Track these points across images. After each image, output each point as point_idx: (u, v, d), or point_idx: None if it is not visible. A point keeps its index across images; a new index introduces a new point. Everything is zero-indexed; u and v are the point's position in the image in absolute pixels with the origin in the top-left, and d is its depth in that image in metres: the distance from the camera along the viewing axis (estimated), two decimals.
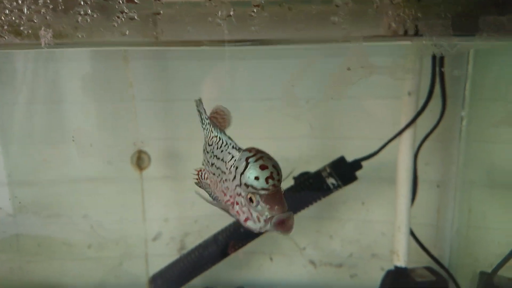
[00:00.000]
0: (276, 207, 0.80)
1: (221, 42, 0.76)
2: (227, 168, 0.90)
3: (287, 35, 0.71)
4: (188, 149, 1.89)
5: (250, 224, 0.85)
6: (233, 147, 0.91)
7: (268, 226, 0.81)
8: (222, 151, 0.94)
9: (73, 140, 1.74)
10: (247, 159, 0.83)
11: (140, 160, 1.79)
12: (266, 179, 0.80)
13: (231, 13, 0.67)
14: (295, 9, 0.66)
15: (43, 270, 1.97)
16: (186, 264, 1.73)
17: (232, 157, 0.90)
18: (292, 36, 0.72)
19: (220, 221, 1.72)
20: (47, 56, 1.73)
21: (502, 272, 1.65)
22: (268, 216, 0.81)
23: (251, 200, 0.82)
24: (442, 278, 1.62)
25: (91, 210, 1.94)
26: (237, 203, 0.86)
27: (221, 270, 1.81)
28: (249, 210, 0.83)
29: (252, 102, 1.80)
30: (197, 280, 1.78)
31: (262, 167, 0.80)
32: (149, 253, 1.98)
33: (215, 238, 1.70)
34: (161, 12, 0.74)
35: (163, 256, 1.88)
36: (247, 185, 0.82)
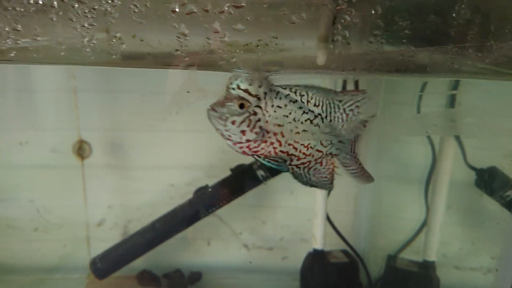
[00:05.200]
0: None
1: None
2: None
3: None
4: (131, 140, 1.99)
5: None
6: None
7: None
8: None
9: None
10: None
11: (81, 149, 1.88)
12: None
13: None
14: None
15: None
16: (125, 248, 1.85)
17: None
18: None
19: (161, 209, 1.85)
20: None
21: (408, 255, 1.89)
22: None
23: None
24: (354, 260, 1.84)
25: (37, 195, 2.02)
26: None
27: (160, 254, 1.95)
28: None
29: None
30: (137, 263, 1.91)
31: None
32: (93, 237, 2.09)
33: (152, 225, 1.83)
34: None
35: (107, 240, 1.98)
36: None
